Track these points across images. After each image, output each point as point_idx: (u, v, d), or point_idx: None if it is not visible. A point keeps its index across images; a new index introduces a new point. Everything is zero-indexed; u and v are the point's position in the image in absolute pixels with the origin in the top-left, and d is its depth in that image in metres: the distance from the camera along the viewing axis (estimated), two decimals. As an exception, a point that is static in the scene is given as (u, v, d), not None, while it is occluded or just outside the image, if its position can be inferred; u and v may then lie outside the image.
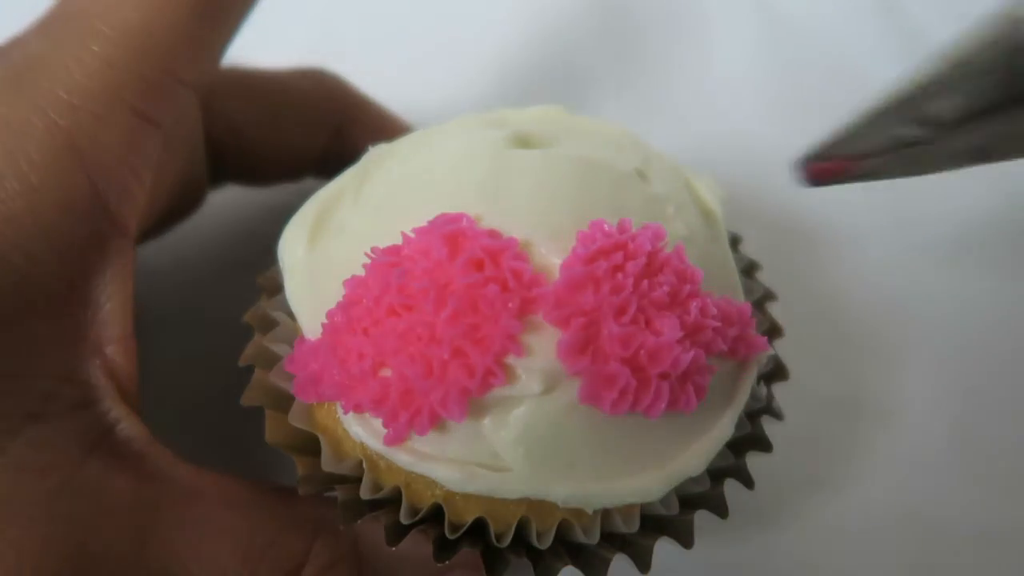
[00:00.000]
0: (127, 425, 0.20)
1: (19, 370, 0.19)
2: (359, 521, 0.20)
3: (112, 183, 0.20)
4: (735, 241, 0.26)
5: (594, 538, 0.20)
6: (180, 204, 0.26)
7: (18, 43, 0.21)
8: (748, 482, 0.22)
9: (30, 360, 0.19)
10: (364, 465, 0.20)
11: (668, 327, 0.18)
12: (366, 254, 0.19)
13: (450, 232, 0.19)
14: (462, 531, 0.20)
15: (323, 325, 0.20)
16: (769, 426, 0.23)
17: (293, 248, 0.22)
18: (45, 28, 0.21)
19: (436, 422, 0.18)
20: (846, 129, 0.15)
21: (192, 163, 0.25)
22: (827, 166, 0.16)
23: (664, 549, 0.21)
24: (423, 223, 0.19)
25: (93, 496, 0.19)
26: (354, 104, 0.29)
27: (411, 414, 0.18)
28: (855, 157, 0.15)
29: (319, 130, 0.28)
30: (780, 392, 0.24)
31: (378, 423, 0.19)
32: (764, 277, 0.26)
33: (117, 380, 0.21)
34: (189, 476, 0.21)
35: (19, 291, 0.19)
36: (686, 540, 0.21)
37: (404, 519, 0.20)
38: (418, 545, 0.20)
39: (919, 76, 0.14)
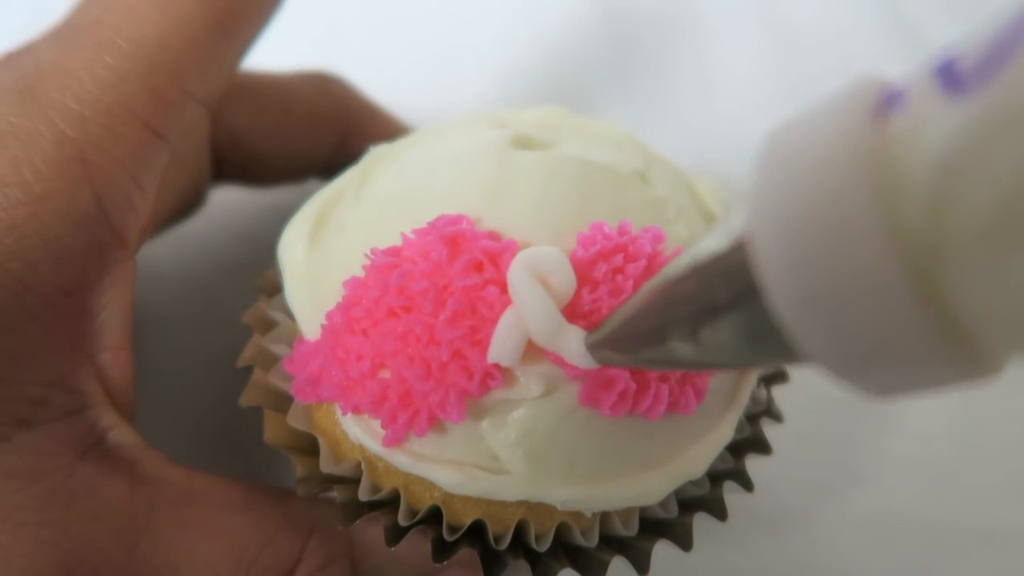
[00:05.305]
0: (119, 432, 0.21)
1: (11, 376, 0.19)
2: (357, 522, 0.20)
3: (116, 195, 0.20)
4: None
5: (593, 540, 0.20)
6: (181, 208, 0.26)
7: (30, 50, 0.21)
8: (747, 485, 0.22)
9: (22, 366, 0.19)
10: (363, 466, 0.20)
11: (668, 330, 0.18)
12: (366, 255, 0.19)
13: (450, 234, 0.19)
14: (460, 533, 0.20)
15: (322, 326, 0.20)
16: (769, 428, 0.23)
17: (292, 248, 0.22)
18: (58, 37, 0.21)
19: (435, 424, 0.18)
20: (631, 323, 0.16)
21: (197, 173, 0.25)
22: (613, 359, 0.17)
23: (663, 552, 0.21)
24: (423, 224, 0.19)
25: (84, 502, 0.19)
26: (360, 111, 0.29)
27: (410, 416, 0.18)
28: (633, 354, 0.16)
29: (324, 138, 0.28)
30: (780, 394, 0.24)
31: (377, 424, 0.19)
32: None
33: (109, 388, 0.21)
34: (182, 479, 0.21)
35: (16, 299, 0.19)
36: (685, 543, 0.21)
37: (402, 520, 0.20)
38: (414, 546, 0.20)
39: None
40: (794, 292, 0.11)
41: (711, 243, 0.13)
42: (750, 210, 0.12)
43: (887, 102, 0.11)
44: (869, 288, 0.11)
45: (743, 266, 0.12)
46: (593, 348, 0.17)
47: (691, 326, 0.14)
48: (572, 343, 0.18)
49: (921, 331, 0.11)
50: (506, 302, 0.18)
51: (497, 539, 0.20)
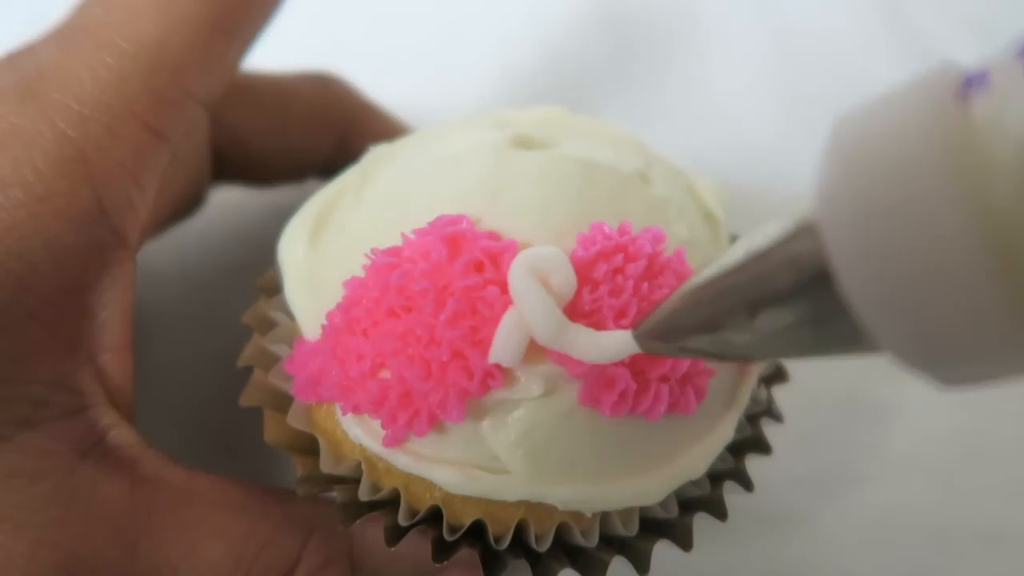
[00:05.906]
0: (119, 432, 0.21)
1: (12, 376, 0.19)
2: (357, 522, 0.20)
3: (116, 195, 0.20)
4: (736, 243, 0.26)
5: (593, 540, 0.20)
6: (181, 208, 0.26)
7: (30, 51, 0.21)
8: (747, 484, 0.22)
9: (23, 366, 0.19)
10: (363, 466, 0.20)
11: (668, 330, 0.18)
12: (366, 255, 0.19)
13: (450, 234, 0.19)
14: (460, 533, 0.20)
15: (322, 326, 0.20)
16: (769, 428, 0.23)
17: (293, 248, 0.22)
18: (59, 38, 0.21)
19: (435, 424, 0.18)
20: (684, 312, 0.15)
21: (197, 173, 0.25)
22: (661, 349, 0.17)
23: (663, 552, 0.21)
24: (423, 224, 0.19)
25: (84, 502, 0.19)
26: (360, 111, 0.29)
27: (410, 416, 0.18)
28: (682, 344, 0.16)
29: (324, 138, 0.28)
30: (780, 394, 0.24)
31: (377, 424, 0.19)
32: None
33: (109, 388, 0.21)
34: (182, 479, 0.21)
35: (17, 299, 0.19)
36: (685, 543, 0.21)
37: (402, 520, 0.20)
38: (414, 546, 0.20)
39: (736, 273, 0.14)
40: (869, 276, 0.11)
41: (769, 230, 0.13)
42: (818, 194, 0.12)
43: (967, 84, 0.11)
44: (952, 268, 0.10)
45: (809, 251, 0.12)
46: (640, 337, 0.17)
47: (748, 314, 0.13)
48: (580, 337, 0.17)
49: (1005, 313, 0.10)
50: (506, 302, 0.18)
51: (497, 539, 0.20)
